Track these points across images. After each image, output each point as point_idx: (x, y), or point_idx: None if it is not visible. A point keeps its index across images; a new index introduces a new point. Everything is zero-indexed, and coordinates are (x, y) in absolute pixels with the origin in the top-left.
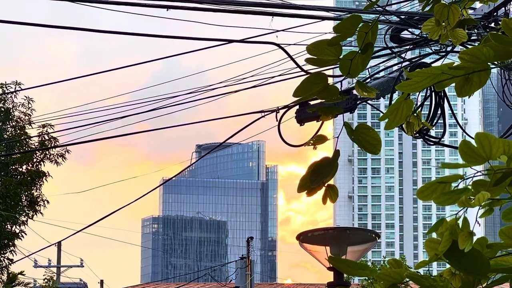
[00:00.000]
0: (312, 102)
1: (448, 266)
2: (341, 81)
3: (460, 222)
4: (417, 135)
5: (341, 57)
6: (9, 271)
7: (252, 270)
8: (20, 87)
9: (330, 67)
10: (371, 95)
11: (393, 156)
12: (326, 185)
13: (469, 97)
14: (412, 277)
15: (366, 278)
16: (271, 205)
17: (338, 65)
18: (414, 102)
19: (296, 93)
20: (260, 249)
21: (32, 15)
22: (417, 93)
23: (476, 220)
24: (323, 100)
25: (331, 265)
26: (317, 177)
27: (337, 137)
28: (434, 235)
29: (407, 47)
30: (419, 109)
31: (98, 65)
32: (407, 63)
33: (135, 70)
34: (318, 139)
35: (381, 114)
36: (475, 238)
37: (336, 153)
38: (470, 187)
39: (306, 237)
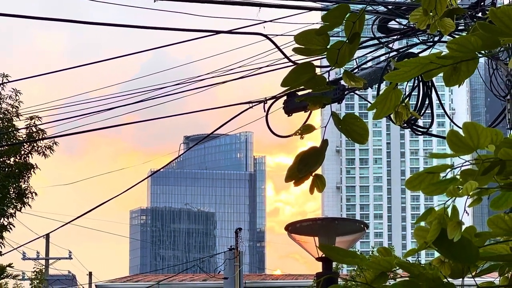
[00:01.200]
0: (300, 93)
1: (437, 254)
2: (328, 71)
3: (449, 211)
4: (405, 125)
5: (328, 47)
6: None
7: (241, 261)
8: (7, 79)
9: (317, 57)
10: (358, 85)
11: (381, 147)
12: (313, 175)
13: (459, 86)
14: (401, 265)
15: (355, 268)
16: (259, 196)
17: (325, 55)
18: (403, 92)
19: (284, 83)
20: (249, 240)
21: (20, 7)
22: (405, 83)
23: (465, 210)
24: (311, 90)
25: (319, 256)
26: (305, 167)
27: (325, 127)
28: (423, 224)
29: (395, 37)
30: (407, 99)
31: (86, 57)
32: (395, 53)
33: (123, 62)
34: (305, 129)
35: (369, 105)
36: (463, 228)
37: (324, 142)
38: (458, 177)
39: (295, 228)
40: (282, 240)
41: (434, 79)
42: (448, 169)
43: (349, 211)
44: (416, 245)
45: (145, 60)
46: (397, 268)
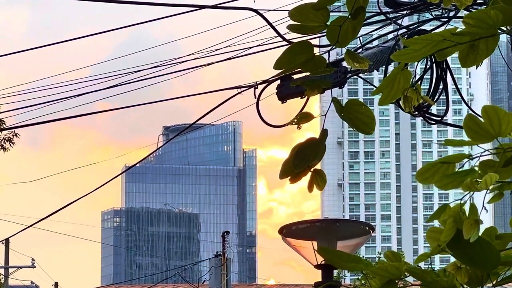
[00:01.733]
0: (295, 76)
1: (452, 260)
2: (328, 51)
3: (466, 208)
4: (416, 112)
5: (328, 23)
6: None
7: (228, 270)
8: None
9: (316, 35)
10: (363, 67)
11: (389, 138)
12: (312, 170)
13: (476, 68)
14: (412, 272)
15: (359, 277)
16: (249, 195)
17: (325, 33)
18: (412, 74)
19: (278, 65)
20: (238, 245)
21: None
22: (415, 65)
23: (483, 206)
24: (308, 73)
25: (318, 263)
26: (302, 161)
27: (325, 115)
28: (437, 224)
29: (404, 12)
30: (418, 82)
31: (52, 37)
32: (404, 30)
33: (95, 41)
34: (302, 118)
35: (374, 89)
36: (482, 228)
37: (324, 132)
38: (476, 168)
39: (290, 231)
40: (276, 245)
41: (449, 60)
42: (465, 159)
43: (353, 211)
44: (429, 250)
45: (120, 40)
46: (407, 275)
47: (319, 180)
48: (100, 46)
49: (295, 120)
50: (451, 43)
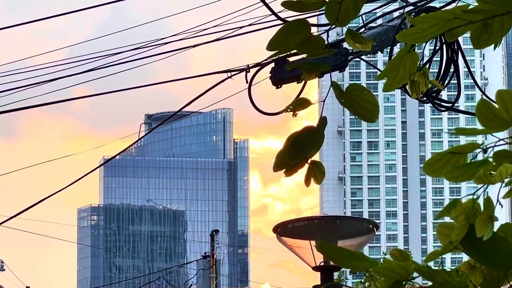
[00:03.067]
0: (291, 59)
1: (466, 258)
2: (327, 31)
3: (480, 203)
4: (425, 98)
5: None
6: None
7: (218, 272)
8: None
9: (313, 13)
10: (366, 48)
11: (395, 127)
12: (309, 162)
13: (494, 49)
14: (421, 271)
15: (362, 280)
16: (241, 190)
17: (323, 10)
18: (420, 56)
19: (271, 45)
20: (228, 245)
21: None
22: (423, 46)
23: (498, 201)
24: (305, 55)
25: (317, 264)
26: (298, 152)
27: (323, 101)
28: (448, 220)
29: None
30: (427, 66)
31: (25, 15)
32: (411, 7)
33: (72, 21)
34: (298, 104)
35: (379, 73)
36: (498, 224)
37: (322, 120)
38: (490, 159)
39: (286, 230)
40: (272, 245)
41: (461, 41)
42: (478, 149)
43: (355, 208)
44: (439, 249)
45: (99, 19)
46: (416, 276)
47: (317, 172)
48: (78, 26)
49: (291, 107)
50: (462, 22)
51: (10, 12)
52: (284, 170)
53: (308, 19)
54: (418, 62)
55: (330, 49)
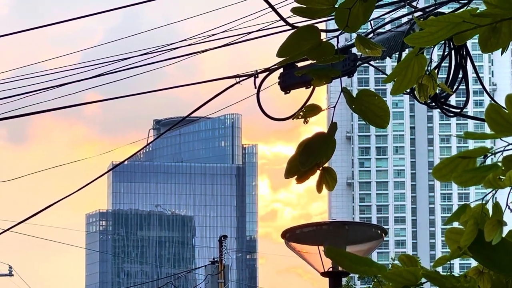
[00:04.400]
0: (299, 64)
1: (474, 264)
2: (337, 37)
3: (489, 208)
4: (433, 104)
5: (337, 5)
6: None
7: (226, 278)
8: None
9: (322, 19)
10: (375, 54)
11: (403, 132)
12: (321, 168)
13: (502, 53)
14: (429, 277)
15: (370, 286)
16: (249, 196)
17: (333, 17)
18: (428, 60)
19: (281, 52)
20: (236, 251)
21: None
22: (431, 51)
23: (507, 206)
24: (314, 61)
25: (325, 270)
26: (309, 158)
27: (334, 108)
28: (456, 225)
29: None
30: (435, 71)
31: (38, 20)
32: (420, 13)
33: (84, 26)
34: (309, 110)
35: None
36: (506, 229)
37: (333, 126)
38: (499, 163)
39: (294, 235)
40: (282, 250)
41: (470, 47)
42: (487, 154)
43: (363, 213)
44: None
45: (112, 24)
46: (424, 281)
47: (328, 179)
48: (90, 31)
49: (301, 113)
50: (470, 26)
51: (22, 19)
52: (295, 176)
53: (316, 25)
54: (426, 66)
55: (340, 55)
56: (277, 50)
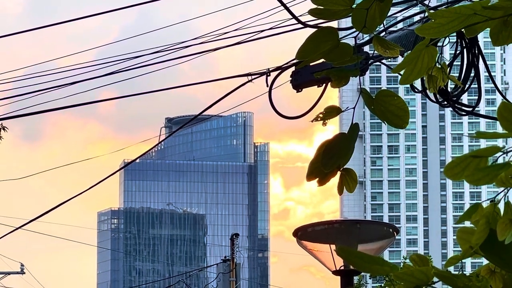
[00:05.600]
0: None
1: (486, 263)
2: (355, 37)
3: (500, 207)
4: (445, 102)
5: (354, 6)
6: None
7: (238, 276)
8: None
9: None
10: (394, 54)
11: (415, 131)
12: (341, 169)
13: None
14: (441, 276)
15: (382, 285)
16: (261, 194)
17: (349, 17)
18: (438, 52)
19: (301, 54)
20: (248, 249)
21: None
22: (444, 48)
23: None
24: (323, 60)
25: (337, 268)
26: (331, 160)
27: (353, 108)
28: (468, 224)
29: None
30: (448, 71)
31: (52, 19)
32: (432, 11)
33: (99, 24)
34: (328, 112)
35: (399, 77)
36: None
37: (354, 127)
38: (511, 162)
39: (306, 233)
40: (294, 248)
41: (482, 45)
42: (499, 153)
43: (375, 212)
44: (460, 253)
45: (126, 22)
46: (435, 281)
47: (349, 180)
48: (106, 29)
49: (321, 116)
50: (482, 18)
51: (37, 18)
52: (317, 179)
53: (330, 24)
54: (437, 57)
55: (358, 56)
56: (296, 52)
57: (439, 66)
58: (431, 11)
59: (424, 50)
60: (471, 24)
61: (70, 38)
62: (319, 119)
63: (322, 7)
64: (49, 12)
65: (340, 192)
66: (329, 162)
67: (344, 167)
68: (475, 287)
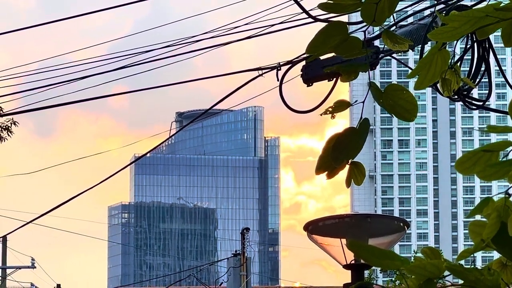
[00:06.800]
0: (321, 57)
1: (497, 256)
2: (364, 31)
3: (510, 201)
4: (456, 97)
5: (363, 0)
6: None
7: (248, 270)
8: None
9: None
10: (403, 48)
11: (426, 125)
12: (349, 163)
13: None
14: (453, 270)
15: (392, 279)
16: (271, 188)
17: (358, 11)
18: (451, 54)
19: (311, 48)
20: (259, 243)
21: None
22: (454, 44)
23: None
24: (334, 55)
25: (348, 262)
26: (341, 154)
27: (363, 102)
28: (479, 218)
29: None
30: (458, 64)
31: (63, 14)
32: (442, 6)
33: (112, 18)
34: (338, 106)
35: (410, 71)
36: None
37: (364, 122)
38: None
39: (316, 227)
40: (305, 243)
41: (492, 39)
42: (510, 147)
43: (385, 206)
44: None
45: (139, 16)
46: (447, 274)
47: (357, 173)
48: (119, 23)
49: (330, 109)
50: (493, 20)
51: (50, 12)
52: (326, 172)
53: (339, 17)
54: (450, 60)
55: (367, 50)
56: (306, 47)
57: (453, 70)
58: (443, 13)
59: (437, 54)
60: (482, 26)
61: (83, 33)
62: (328, 112)
63: (332, 1)
64: (62, 6)
65: (348, 184)
66: (338, 156)
67: (360, 162)
68: (486, 280)
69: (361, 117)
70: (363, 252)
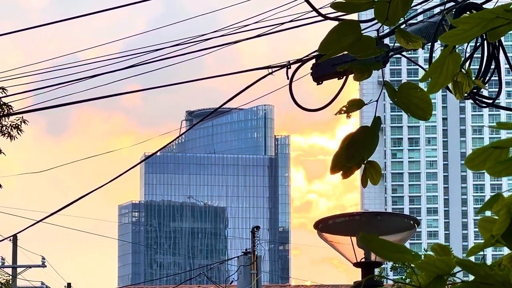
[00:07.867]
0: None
1: (507, 252)
2: (377, 30)
3: None
4: (466, 95)
5: None
6: None
7: (259, 269)
8: None
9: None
10: (416, 46)
11: (436, 123)
12: (365, 162)
13: None
14: (463, 265)
15: (402, 276)
16: (282, 187)
17: (370, 9)
18: (462, 56)
19: (323, 47)
20: (269, 242)
21: None
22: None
23: None
24: (344, 53)
25: (358, 260)
26: (356, 153)
27: (376, 101)
28: (488, 214)
29: None
30: (467, 62)
31: (76, 12)
32: (452, 4)
33: (125, 16)
34: (351, 106)
35: (419, 69)
36: None
37: (377, 120)
38: None
39: (326, 226)
40: (316, 241)
41: (502, 38)
42: None
43: (396, 204)
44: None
45: (153, 15)
46: (457, 271)
47: (373, 173)
48: (132, 22)
49: (344, 109)
50: (504, 21)
51: (63, 11)
52: (341, 172)
53: (350, 16)
54: (461, 63)
55: (381, 49)
56: (319, 45)
57: (464, 72)
58: (453, 14)
59: (448, 57)
60: (493, 28)
61: (96, 31)
62: (342, 112)
63: (344, 0)
64: (74, 4)
65: (364, 184)
66: (353, 155)
67: (375, 161)
68: (497, 276)
69: (375, 115)
70: (374, 245)
